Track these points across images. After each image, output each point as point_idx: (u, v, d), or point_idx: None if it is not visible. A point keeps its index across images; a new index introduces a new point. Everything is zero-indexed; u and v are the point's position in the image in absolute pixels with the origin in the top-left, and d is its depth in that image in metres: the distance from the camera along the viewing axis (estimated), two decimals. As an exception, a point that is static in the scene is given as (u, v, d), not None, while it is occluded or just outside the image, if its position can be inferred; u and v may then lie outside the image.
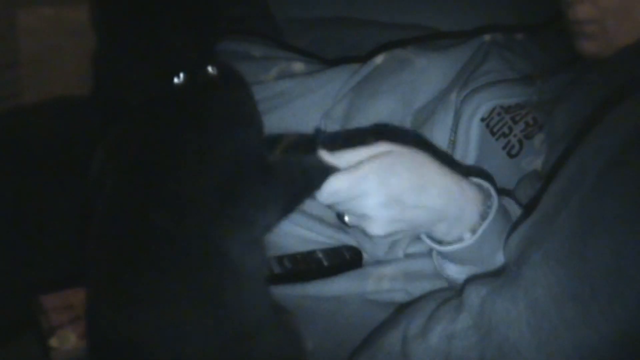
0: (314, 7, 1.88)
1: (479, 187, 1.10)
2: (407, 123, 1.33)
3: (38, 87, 1.85)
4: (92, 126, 1.36)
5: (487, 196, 1.10)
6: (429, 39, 1.54)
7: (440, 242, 1.10)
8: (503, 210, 1.12)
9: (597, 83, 1.16)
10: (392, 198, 1.02)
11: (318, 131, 1.37)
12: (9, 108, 1.83)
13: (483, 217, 1.08)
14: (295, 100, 1.38)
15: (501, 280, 0.99)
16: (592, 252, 0.89)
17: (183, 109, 0.99)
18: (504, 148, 1.23)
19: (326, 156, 1.02)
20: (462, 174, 1.09)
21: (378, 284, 1.20)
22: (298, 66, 1.47)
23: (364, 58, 1.46)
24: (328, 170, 1.02)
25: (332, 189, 1.01)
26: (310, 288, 1.18)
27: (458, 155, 1.26)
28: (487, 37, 1.42)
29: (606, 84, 1.12)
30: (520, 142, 1.22)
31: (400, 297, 1.20)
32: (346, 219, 1.06)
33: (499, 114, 1.26)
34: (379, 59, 1.42)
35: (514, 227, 1.08)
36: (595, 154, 0.93)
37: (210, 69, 1.03)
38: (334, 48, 1.74)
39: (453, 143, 1.28)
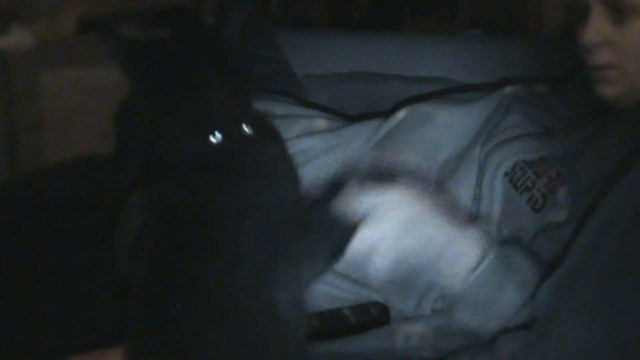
0: (334, 63, 1.89)
1: (477, 237, 1.13)
2: (431, 178, 1.33)
3: (61, 148, 1.86)
4: (116, 186, 1.37)
5: (486, 242, 1.13)
6: (450, 93, 1.54)
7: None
8: (506, 258, 1.14)
9: (620, 135, 1.16)
10: (397, 250, 1.08)
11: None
12: (33, 169, 1.84)
13: (479, 263, 1.11)
14: (318, 158, 1.38)
15: (532, 336, 0.99)
16: (623, 305, 0.88)
17: (221, 167, 1.00)
18: (527, 202, 1.23)
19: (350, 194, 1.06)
20: (467, 221, 1.12)
21: (406, 341, 1.19)
22: (320, 123, 1.48)
23: (386, 113, 1.46)
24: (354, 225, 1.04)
25: (359, 246, 1.05)
26: (338, 346, 1.18)
27: (483, 210, 1.26)
28: (507, 90, 1.42)
29: (629, 136, 1.12)
30: (543, 195, 1.22)
31: (428, 354, 1.19)
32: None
33: (522, 169, 1.26)
34: (400, 115, 1.42)
35: (543, 278, 1.08)
36: (623, 206, 0.92)
37: (245, 127, 1.03)
38: (355, 103, 1.75)
39: (478, 198, 1.27)
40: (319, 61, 1.90)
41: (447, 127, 1.37)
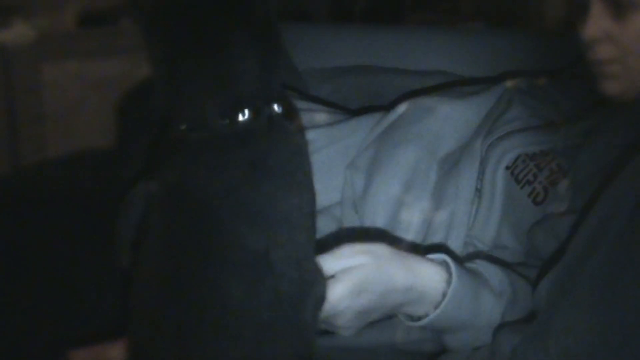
0: (335, 57, 1.89)
1: (441, 265, 1.12)
2: (432, 171, 1.32)
3: (62, 141, 1.86)
4: (118, 179, 1.37)
5: (448, 269, 1.12)
6: (452, 86, 1.54)
7: (410, 318, 1.13)
8: (473, 275, 1.14)
9: (621, 127, 1.16)
10: (364, 311, 1.07)
11: None
12: (34, 162, 1.85)
13: (444, 293, 1.10)
14: (320, 151, 1.37)
15: (532, 328, 0.99)
16: (623, 298, 0.88)
17: (248, 154, 0.93)
18: (529, 195, 1.23)
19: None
20: (421, 257, 1.13)
21: (407, 334, 1.20)
22: (321, 117, 1.47)
23: (387, 107, 1.46)
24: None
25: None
26: (340, 339, 1.18)
27: (484, 203, 1.26)
28: (509, 84, 1.42)
29: (630, 127, 1.12)
30: (545, 189, 1.22)
31: (429, 347, 1.20)
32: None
33: (523, 162, 1.26)
34: (402, 108, 1.42)
35: (544, 272, 1.08)
36: (624, 198, 0.92)
37: (275, 106, 0.96)
38: (355, 97, 1.75)
39: (479, 191, 1.27)
40: (319, 55, 1.90)
41: (448, 121, 1.37)
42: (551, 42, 1.81)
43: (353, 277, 1.05)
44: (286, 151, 0.95)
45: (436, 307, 1.10)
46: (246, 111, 0.92)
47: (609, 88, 1.19)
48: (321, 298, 0.99)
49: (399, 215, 1.30)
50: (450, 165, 1.32)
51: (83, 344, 1.20)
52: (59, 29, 1.96)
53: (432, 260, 1.13)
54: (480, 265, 1.17)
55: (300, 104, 1.51)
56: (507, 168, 1.26)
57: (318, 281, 0.98)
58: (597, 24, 1.16)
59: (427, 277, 1.10)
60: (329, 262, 1.05)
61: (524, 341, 0.98)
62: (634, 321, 0.87)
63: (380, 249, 1.09)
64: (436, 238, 1.28)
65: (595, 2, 1.16)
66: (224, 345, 0.92)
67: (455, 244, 1.27)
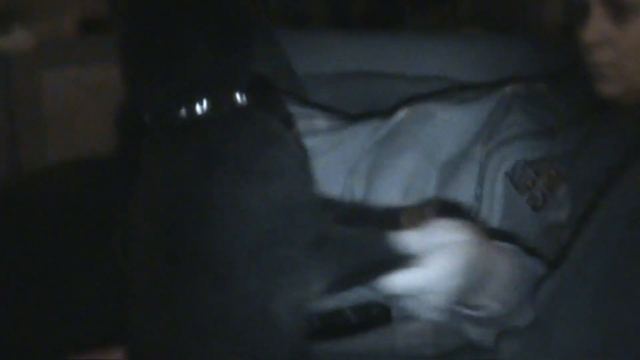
0: (334, 62, 1.89)
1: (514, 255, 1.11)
2: (432, 177, 1.33)
3: (62, 147, 1.87)
4: (116, 186, 1.37)
5: (518, 265, 1.10)
6: (451, 92, 1.54)
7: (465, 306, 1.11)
8: (526, 272, 1.12)
9: (619, 133, 1.16)
10: (464, 292, 1.03)
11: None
12: (34, 168, 1.85)
13: (510, 288, 1.09)
14: (319, 158, 1.37)
15: (534, 335, 0.99)
16: (625, 303, 0.89)
17: (207, 145, 0.91)
18: (528, 201, 1.23)
19: (409, 238, 1.00)
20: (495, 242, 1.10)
21: (407, 340, 1.20)
22: (321, 123, 1.48)
23: (387, 113, 1.46)
24: (397, 258, 0.98)
25: (410, 284, 1.00)
26: (340, 345, 1.18)
27: (484, 209, 1.26)
28: (508, 89, 1.42)
29: (628, 133, 1.12)
30: (544, 194, 1.22)
31: (430, 351, 1.20)
32: (406, 303, 1.05)
33: (522, 168, 1.26)
34: (401, 114, 1.42)
35: (542, 279, 1.08)
36: (622, 204, 0.93)
37: (238, 96, 0.94)
38: (355, 102, 1.75)
39: (479, 197, 1.28)
40: (319, 60, 1.90)
41: (447, 127, 1.37)
42: (550, 46, 1.81)
43: (465, 252, 1.02)
44: (249, 140, 0.93)
45: (498, 301, 1.08)
46: (204, 101, 0.92)
47: (607, 91, 1.20)
48: (296, 302, 0.94)
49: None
50: (449, 171, 1.32)
51: (84, 348, 1.20)
52: (59, 36, 1.96)
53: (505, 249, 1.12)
54: (529, 261, 1.15)
55: (300, 110, 1.51)
56: (506, 174, 1.26)
57: (293, 284, 0.92)
58: (597, 27, 1.17)
59: (502, 267, 1.08)
60: (432, 236, 1.02)
61: (525, 347, 0.98)
62: (636, 328, 0.87)
63: (477, 229, 1.07)
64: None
65: (595, 6, 1.17)
66: (208, 343, 0.91)
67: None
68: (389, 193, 1.31)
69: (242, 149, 0.92)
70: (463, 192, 1.29)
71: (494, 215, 1.26)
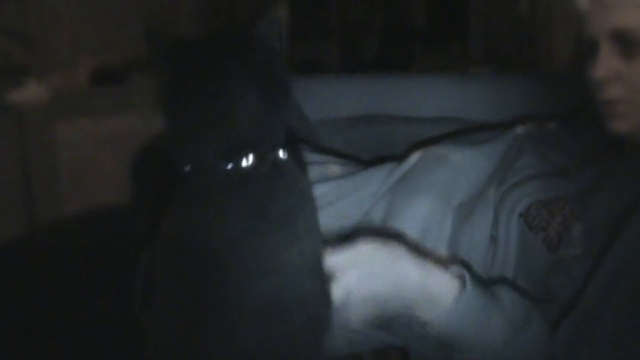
0: (346, 107, 1.90)
1: (457, 278, 1.12)
2: (447, 221, 1.32)
3: (77, 198, 1.87)
4: (133, 236, 1.37)
5: (462, 281, 1.11)
6: (463, 133, 1.54)
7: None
8: (483, 290, 1.14)
9: (633, 172, 1.16)
10: (373, 298, 1.06)
11: None
12: (49, 220, 1.85)
13: (455, 301, 1.10)
14: (333, 204, 1.37)
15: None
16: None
17: (251, 196, 0.92)
18: (543, 242, 1.22)
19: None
20: (435, 263, 1.12)
21: None
22: (334, 169, 1.47)
23: (400, 157, 1.46)
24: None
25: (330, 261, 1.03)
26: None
27: (500, 251, 1.26)
28: (519, 130, 1.42)
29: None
30: (558, 235, 1.21)
31: None
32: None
33: (536, 209, 1.25)
34: (414, 157, 1.42)
35: (561, 317, 1.07)
36: (638, 243, 0.92)
37: (281, 152, 0.96)
38: (368, 147, 1.75)
39: (494, 239, 1.27)
40: (330, 105, 1.90)
41: (461, 169, 1.37)
42: (561, 84, 1.81)
43: (364, 259, 1.05)
44: (289, 198, 0.95)
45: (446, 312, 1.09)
46: (250, 156, 0.92)
47: (618, 128, 1.19)
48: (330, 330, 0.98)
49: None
50: (464, 214, 1.31)
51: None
52: (73, 88, 1.98)
53: (448, 270, 1.13)
54: (501, 288, 1.17)
55: (313, 157, 1.51)
56: (521, 215, 1.26)
57: (326, 318, 0.98)
58: (606, 64, 1.17)
59: (441, 282, 1.10)
60: (343, 253, 1.05)
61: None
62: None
63: (397, 245, 1.09)
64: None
65: (604, 43, 1.17)
66: None
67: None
68: (405, 237, 1.31)
69: (283, 206, 0.94)
70: (478, 234, 1.28)
71: (509, 256, 1.25)
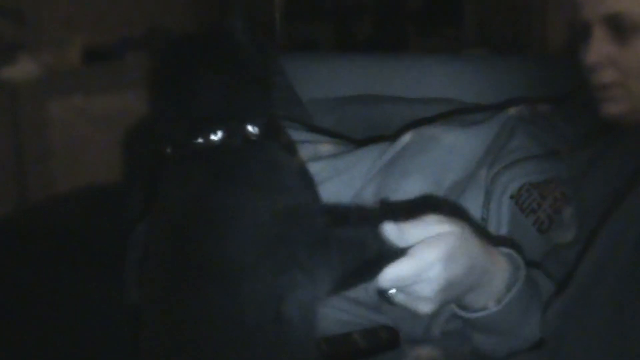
0: (339, 87, 1.90)
1: (509, 258, 1.10)
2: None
3: (69, 176, 1.87)
4: (125, 215, 1.37)
5: (515, 267, 1.10)
6: (455, 115, 1.54)
7: (465, 309, 1.11)
8: (531, 282, 1.12)
9: (625, 155, 1.16)
10: (451, 283, 1.01)
11: (376, 204, 1.35)
12: (41, 198, 1.85)
13: (509, 288, 1.09)
14: (324, 183, 1.37)
15: (542, 357, 0.98)
16: (631, 326, 0.88)
17: (221, 168, 1.00)
18: (534, 224, 1.23)
19: (389, 232, 1.00)
20: (494, 246, 1.10)
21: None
22: (325, 148, 1.48)
23: (392, 137, 1.46)
24: (390, 253, 1.00)
25: (397, 275, 0.99)
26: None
27: (491, 233, 1.26)
28: (512, 111, 1.42)
29: (634, 155, 1.12)
30: (549, 217, 1.22)
31: None
32: (397, 298, 1.03)
33: (527, 191, 1.26)
34: (406, 138, 1.42)
35: (550, 301, 1.08)
36: (629, 225, 0.92)
37: (250, 127, 1.03)
38: (360, 127, 1.75)
39: (485, 221, 1.27)
40: (324, 85, 1.90)
41: (452, 150, 1.37)
42: (554, 67, 1.82)
43: (446, 242, 1.00)
44: (258, 165, 1.01)
45: (498, 300, 1.08)
46: (218, 132, 1.01)
47: (611, 111, 1.20)
48: (306, 302, 0.97)
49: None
50: (455, 195, 1.32)
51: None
52: (65, 65, 1.97)
53: (505, 255, 1.11)
54: (539, 277, 1.16)
55: (305, 136, 1.51)
56: (512, 197, 1.26)
57: (300, 284, 0.96)
58: (599, 48, 1.17)
59: (500, 266, 1.08)
60: (416, 229, 1.01)
61: (533, 369, 0.98)
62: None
63: (464, 224, 1.05)
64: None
65: (597, 27, 1.17)
66: (221, 350, 0.94)
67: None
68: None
69: (251, 172, 1.01)
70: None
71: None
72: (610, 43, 1.16)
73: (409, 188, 1.33)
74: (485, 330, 1.13)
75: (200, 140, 1.01)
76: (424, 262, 0.99)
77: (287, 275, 0.95)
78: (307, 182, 1.07)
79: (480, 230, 1.14)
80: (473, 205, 1.29)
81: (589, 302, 0.95)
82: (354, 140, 1.60)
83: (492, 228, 1.26)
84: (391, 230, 1.00)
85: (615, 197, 1.02)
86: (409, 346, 1.22)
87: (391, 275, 0.99)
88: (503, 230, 1.25)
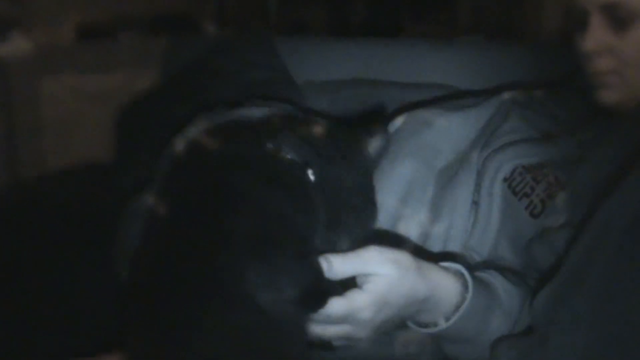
0: (332, 70, 1.89)
1: (456, 275, 1.11)
2: (429, 185, 1.32)
3: (61, 154, 1.87)
4: (117, 192, 1.37)
5: (463, 282, 1.11)
6: (449, 99, 1.54)
7: (417, 324, 1.13)
8: (487, 293, 1.13)
9: (619, 140, 1.16)
10: (384, 322, 1.05)
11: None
12: (33, 174, 1.85)
13: (457, 306, 1.10)
14: (318, 165, 1.37)
15: (530, 343, 0.99)
16: (620, 312, 0.88)
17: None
18: (526, 208, 1.23)
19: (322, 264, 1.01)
20: (439, 266, 1.11)
21: (405, 348, 1.19)
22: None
23: (384, 120, 1.46)
24: (323, 290, 1.01)
25: (327, 313, 1.01)
26: (338, 354, 1.18)
27: (481, 216, 1.26)
28: (506, 96, 1.42)
29: (628, 141, 1.12)
30: (542, 201, 1.22)
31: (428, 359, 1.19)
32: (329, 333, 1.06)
33: (520, 174, 1.25)
34: (399, 121, 1.42)
35: (540, 285, 1.08)
36: (620, 212, 0.92)
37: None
38: (354, 109, 1.75)
39: (476, 204, 1.27)
40: (317, 68, 1.90)
41: (445, 133, 1.37)
42: (549, 54, 1.81)
43: (379, 289, 1.02)
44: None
45: (447, 318, 1.10)
46: None
47: (607, 98, 1.20)
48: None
49: (397, 228, 1.29)
50: (447, 178, 1.32)
51: (80, 355, 1.20)
52: (58, 43, 1.97)
53: (448, 270, 1.12)
54: (495, 279, 1.17)
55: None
56: (505, 180, 1.26)
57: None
58: (596, 36, 1.17)
59: (445, 288, 1.09)
60: (355, 264, 1.02)
61: (522, 354, 0.98)
62: (633, 336, 0.87)
63: (406, 259, 1.05)
64: (434, 250, 1.28)
65: (594, 15, 1.17)
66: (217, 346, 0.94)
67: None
68: (387, 200, 1.31)
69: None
70: (460, 198, 1.28)
71: (491, 221, 1.25)
72: (607, 31, 1.16)
73: (401, 170, 1.33)
74: (445, 340, 1.15)
75: None
76: (354, 306, 1.01)
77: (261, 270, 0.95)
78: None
79: (422, 252, 1.16)
80: (464, 188, 1.29)
81: (578, 288, 0.95)
82: (347, 122, 1.60)
83: (482, 210, 1.27)
84: (323, 264, 1.01)
85: (608, 183, 1.02)
86: (399, 331, 1.22)
87: (323, 312, 1.00)
88: (494, 214, 1.25)
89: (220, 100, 1.51)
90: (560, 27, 2.35)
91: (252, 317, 0.94)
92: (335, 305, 1.00)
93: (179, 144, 1.08)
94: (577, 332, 0.91)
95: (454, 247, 1.27)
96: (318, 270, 1.00)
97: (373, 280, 1.02)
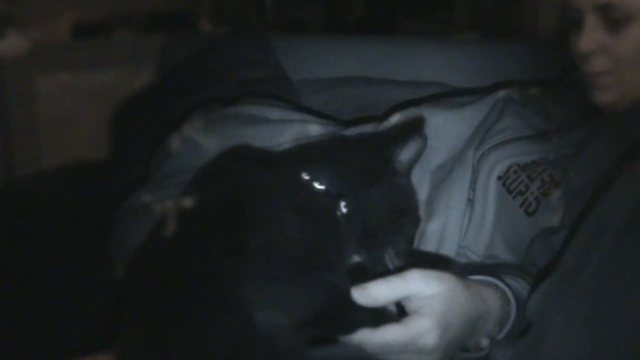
0: (328, 68, 1.89)
1: (495, 290, 1.09)
2: (424, 183, 1.32)
3: (57, 152, 1.87)
4: (112, 190, 1.37)
5: (505, 300, 1.09)
6: (444, 97, 1.54)
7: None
8: (520, 304, 1.11)
9: (613, 138, 1.16)
10: (448, 347, 1.00)
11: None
12: (28, 172, 1.85)
13: (500, 324, 1.08)
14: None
15: (525, 344, 0.98)
16: (614, 312, 0.88)
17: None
18: (521, 206, 1.23)
19: (356, 298, 0.96)
20: (477, 282, 1.08)
21: None
22: (314, 128, 1.47)
23: (380, 118, 1.46)
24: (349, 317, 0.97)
25: (385, 340, 0.96)
26: (337, 349, 1.16)
27: (476, 213, 1.26)
28: (501, 94, 1.42)
29: (622, 139, 1.12)
30: (537, 199, 1.22)
31: None
32: None
33: (515, 172, 1.26)
34: (394, 119, 1.41)
35: (535, 285, 1.08)
36: (614, 211, 0.92)
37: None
38: (349, 108, 1.75)
39: (471, 202, 1.27)
40: (313, 65, 1.90)
41: (440, 132, 1.37)
42: (544, 52, 1.82)
43: (437, 310, 0.96)
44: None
45: (489, 335, 1.07)
46: None
47: (602, 99, 1.20)
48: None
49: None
50: (442, 176, 1.32)
51: (74, 353, 1.20)
52: (53, 40, 1.96)
53: (489, 284, 1.09)
54: (519, 284, 1.14)
55: (293, 115, 1.51)
56: (499, 178, 1.26)
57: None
58: (591, 37, 1.17)
59: (492, 304, 1.06)
60: (397, 287, 0.97)
61: (517, 354, 0.98)
62: (627, 335, 0.87)
63: (449, 276, 1.00)
64: (429, 248, 1.28)
65: (589, 15, 1.17)
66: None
67: (447, 254, 1.26)
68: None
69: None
70: (455, 196, 1.29)
71: (486, 219, 1.26)
72: (602, 32, 1.16)
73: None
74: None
75: None
76: (414, 332, 0.96)
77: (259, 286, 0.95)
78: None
79: (461, 267, 1.14)
80: (459, 186, 1.29)
81: (573, 287, 0.95)
82: (343, 121, 1.60)
83: (477, 208, 1.27)
84: (358, 296, 0.96)
85: (603, 181, 1.02)
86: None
87: (378, 339, 0.95)
88: (489, 212, 1.26)
89: (216, 98, 1.51)
90: (556, 25, 2.35)
91: (245, 328, 0.94)
92: (392, 333, 0.95)
93: (175, 141, 1.08)
94: (572, 332, 0.91)
95: (449, 245, 1.27)
96: (336, 296, 0.97)
97: (429, 303, 0.97)
